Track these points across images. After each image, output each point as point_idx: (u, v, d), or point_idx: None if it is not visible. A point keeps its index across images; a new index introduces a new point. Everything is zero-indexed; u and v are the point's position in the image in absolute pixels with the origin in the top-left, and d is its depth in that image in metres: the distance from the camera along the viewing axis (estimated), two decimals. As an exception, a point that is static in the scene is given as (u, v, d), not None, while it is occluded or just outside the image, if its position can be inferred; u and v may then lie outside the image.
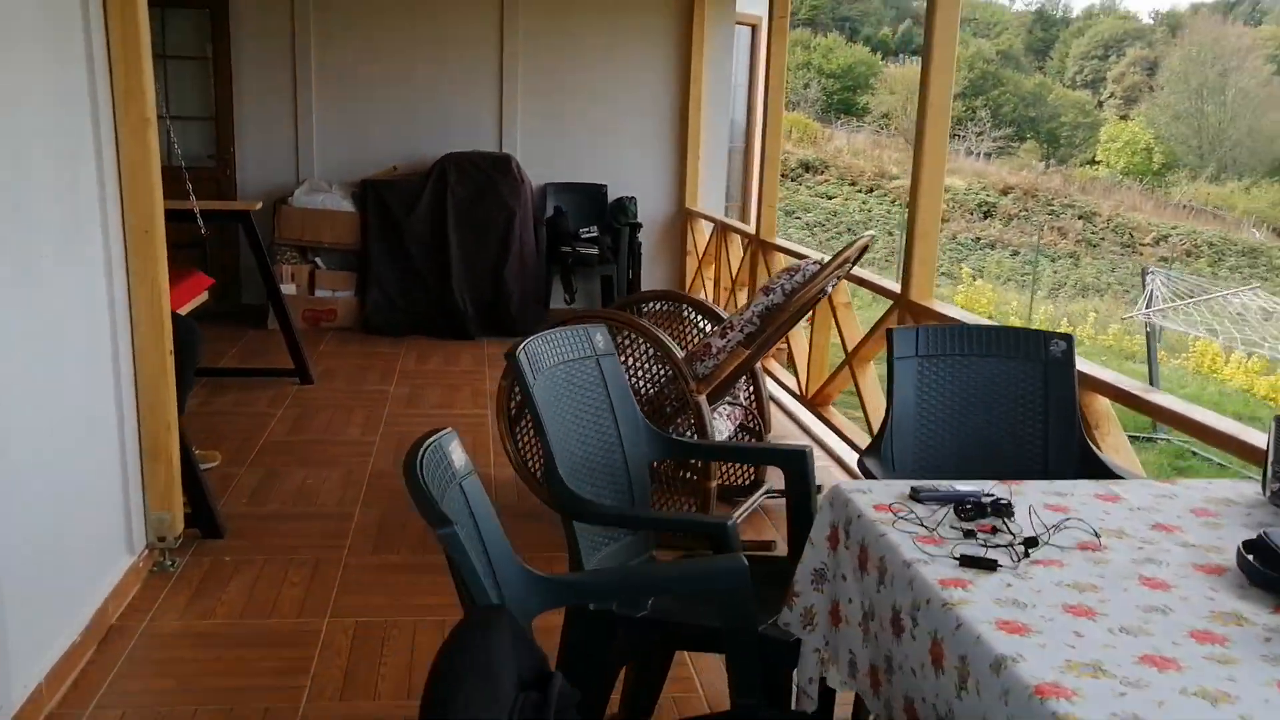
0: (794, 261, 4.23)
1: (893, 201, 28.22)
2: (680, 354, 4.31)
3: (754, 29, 9.47)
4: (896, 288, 4.68)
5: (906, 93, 42.20)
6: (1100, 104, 47.08)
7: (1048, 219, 28.19)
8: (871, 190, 27.71)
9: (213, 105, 7.96)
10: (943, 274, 23.76)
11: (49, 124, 3.09)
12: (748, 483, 4.83)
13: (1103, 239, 27.70)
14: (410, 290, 7.85)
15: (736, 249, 7.38)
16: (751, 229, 6.83)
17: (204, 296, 6.03)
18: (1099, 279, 25.18)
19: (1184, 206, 35.26)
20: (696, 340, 4.93)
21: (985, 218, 28.17)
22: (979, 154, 40.91)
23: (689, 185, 8.46)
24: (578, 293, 8.27)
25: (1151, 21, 53.34)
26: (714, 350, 4.27)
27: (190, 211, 5.87)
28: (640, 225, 8.35)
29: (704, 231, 8.30)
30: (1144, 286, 8.57)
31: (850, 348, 5.15)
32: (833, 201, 27.70)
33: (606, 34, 8.30)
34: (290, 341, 6.41)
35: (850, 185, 28.54)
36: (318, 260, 7.90)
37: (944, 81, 4.24)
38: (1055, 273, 24.98)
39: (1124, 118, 44.79)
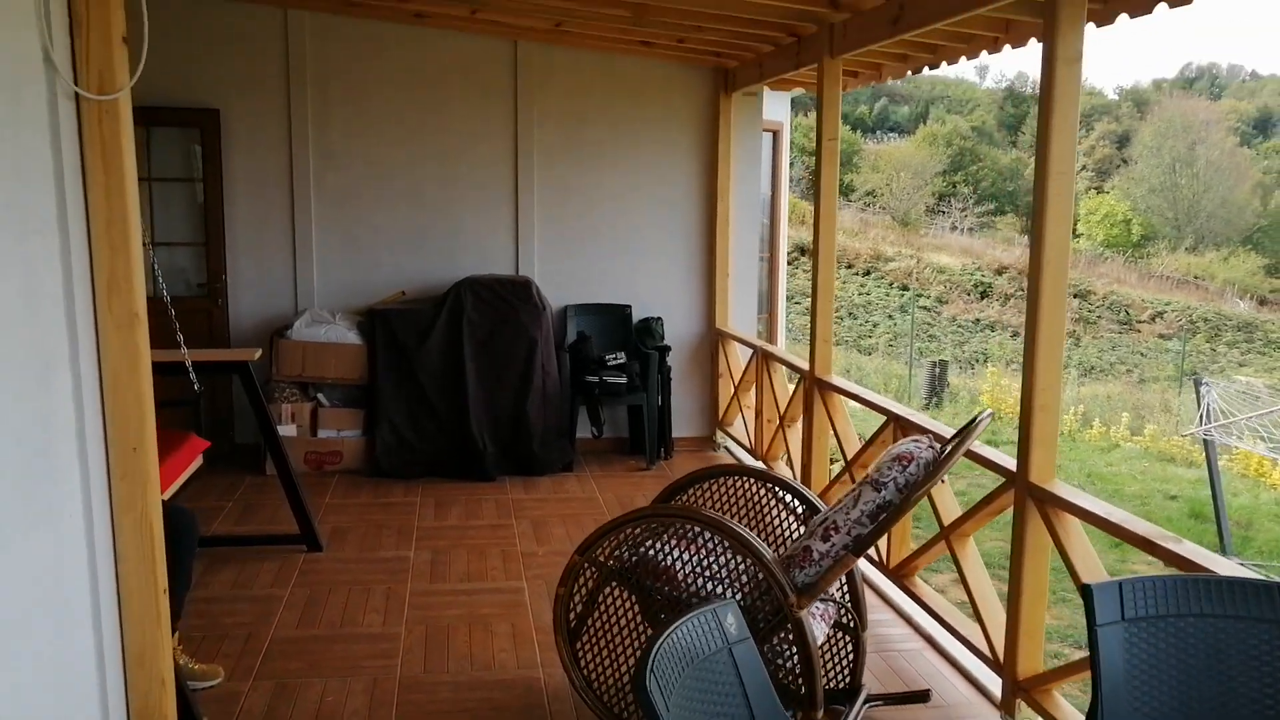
0: (904, 447, 3.58)
1: (891, 284, 27.87)
2: (771, 555, 3.64)
3: (775, 134, 8.96)
4: (1011, 464, 4.01)
5: (891, 170, 42.31)
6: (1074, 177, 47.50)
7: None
8: (869, 273, 27.37)
9: (203, 230, 7.33)
10: (955, 361, 23.33)
11: (9, 334, 2.43)
12: (843, 685, 4.14)
13: (1099, 317, 27.38)
14: (423, 428, 7.17)
15: (781, 379, 6.75)
16: (802, 362, 6.20)
17: (198, 463, 5.35)
18: (1101, 358, 24.77)
19: (1166, 278, 35.23)
20: (779, 523, 4.26)
21: (982, 298, 27.83)
22: (963, 229, 40.96)
23: (719, 304, 7.86)
24: (605, 424, 7.59)
25: (1116, 97, 54.18)
26: (815, 556, 3.61)
27: (180, 363, 5.22)
28: (669, 348, 7.72)
29: (737, 354, 7.67)
30: (1198, 399, 8.03)
31: (945, 519, 4.47)
32: (827, 285, 27.21)
33: (627, 146, 7.75)
34: (293, 499, 5.71)
35: (847, 268, 28.16)
36: (320, 397, 7.22)
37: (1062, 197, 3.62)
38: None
39: (1098, 190, 45.20)
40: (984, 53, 5.37)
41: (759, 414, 6.98)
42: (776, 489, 4.25)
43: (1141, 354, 25.38)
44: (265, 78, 7.34)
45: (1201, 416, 7.93)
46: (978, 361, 23.92)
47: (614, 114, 7.71)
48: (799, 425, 6.34)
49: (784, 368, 6.73)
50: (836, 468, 5.76)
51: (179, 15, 7.14)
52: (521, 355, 7.16)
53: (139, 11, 2.97)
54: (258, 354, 5.49)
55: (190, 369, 5.18)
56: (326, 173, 7.48)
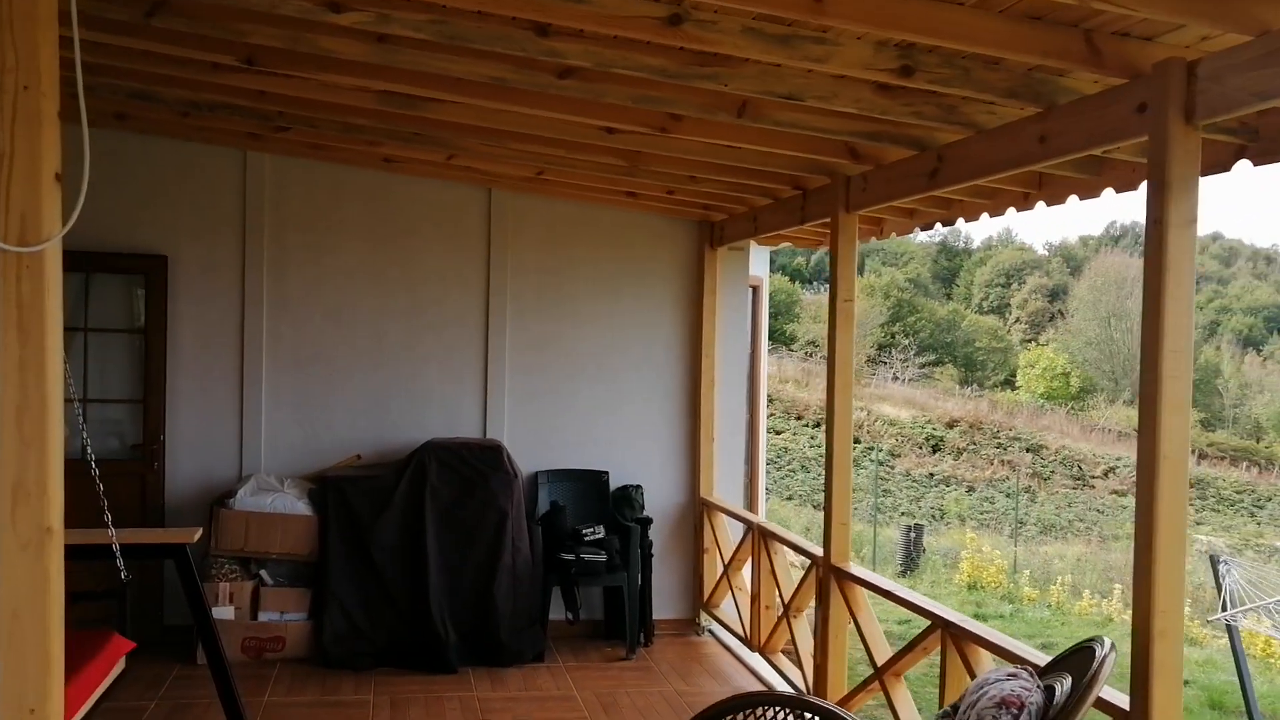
0: (1005, 686, 2.96)
1: (841, 437, 27.50)
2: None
3: (755, 289, 8.54)
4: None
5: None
6: (1008, 330, 48.39)
7: (995, 451, 27.69)
8: (818, 424, 27.04)
9: (142, 385, 6.63)
10: (912, 518, 22.84)
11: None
12: None
13: (1053, 472, 27.21)
14: (377, 611, 6.40)
15: (783, 561, 6.12)
16: (813, 546, 5.59)
17: (119, 669, 4.58)
18: (1059, 515, 24.44)
19: (1108, 430, 35.46)
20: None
21: (934, 451, 27.57)
22: (904, 379, 41.18)
23: (703, 471, 7.27)
24: (581, 607, 6.87)
25: (1046, 252, 55.69)
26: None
27: (106, 546, 4.51)
28: (650, 520, 7.07)
29: (725, 527, 7.05)
30: (1217, 580, 7.55)
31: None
32: (781, 437, 26.83)
33: (606, 300, 7.26)
34: (229, 707, 4.90)
35: (796, 419, 27.82)
36: (263, 574, 6.43)
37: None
38: (1013, 509, 24.21)
39: (1030, 341, 45.97)
40: (1010, 210, 4.98)
41: (755, 599, 6.32)
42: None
43: (1099, 511, 25.12)
44: (219, 223, 6.78)
45: (1225, 602, 7.42)
46: (935, 518, 23.45)
47: (592, 266, 7.24)
48: (806, 617, 5.69)
49: (785, 548, 6.11)
50: (861, 669, 5.11)
51: (125, 152, 6.60)
52: (490, 529, 6.47)
53: (79, 147, 2.40)
54: (197, 534, 4.76)
55: (118, 554, 4.46)
56: (281, 325, 6.86)
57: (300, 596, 6.41)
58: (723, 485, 7.33)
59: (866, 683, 4.90)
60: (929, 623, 4.32)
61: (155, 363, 6.63)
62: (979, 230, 69.33)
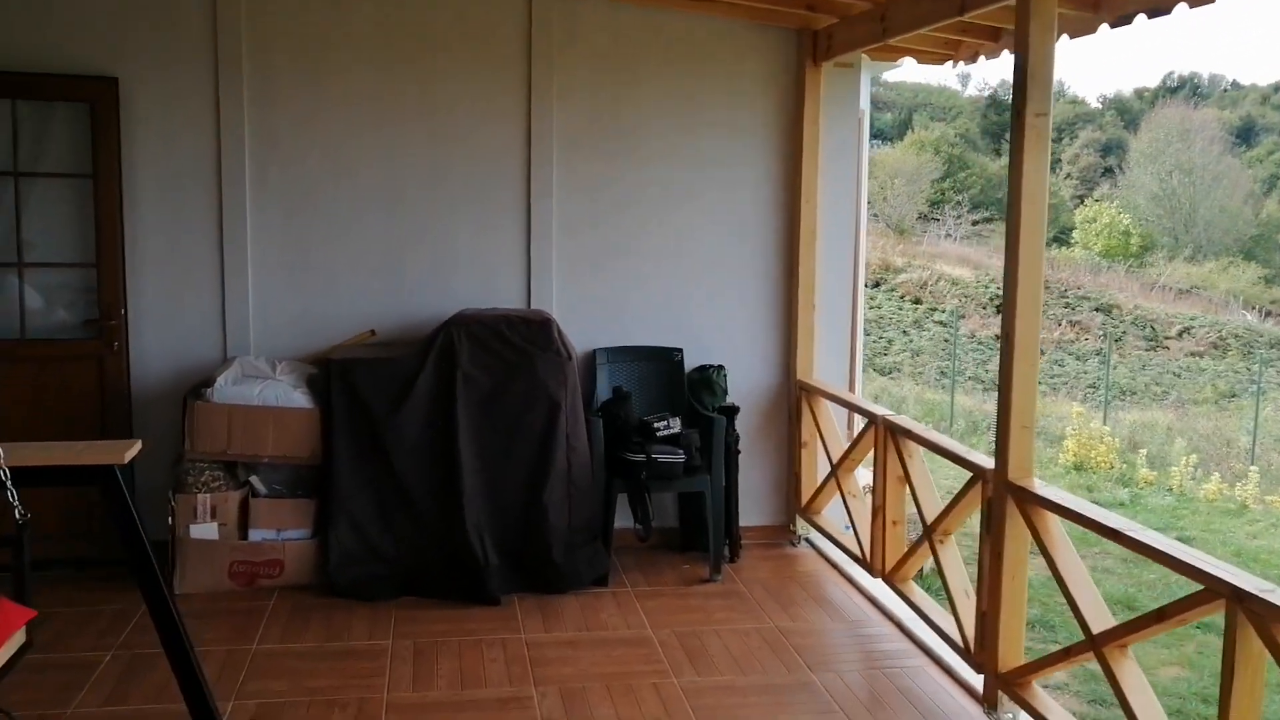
0: None
1: (902, 297, 25.84)
2: None
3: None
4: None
5: (885, 176, 40.55)
6: (1060, 185, 46.46)
7: (1064, 312, 25.95)
8: (878, 284, 25.37)
9: (93, 246, 5.21)
10: (979, 383, 21.38)
11: None
12: None
13: (1124, 333, 25.51)
14: (398, 528, 5.09)
15: (920, 465, 4.71)
16: (979, 456, 4.16)
17: (18, 642, 3.27)
18: (1133, 379, 22.84)
19: (1168, 288, 33.70)
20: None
21: (999, 312, 25.91)
22: (956, 237, 39.43)
23: (801, 347, 5.82)
24: (654, 518, 5.51)
25: (1099, 105, 52.92)
26: None
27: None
28: (736, 409, 5.67)
29: (829, 416, 5.63)
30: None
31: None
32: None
33: (679, 133, 5.71)
34: (187, 685, 3.57)
35: (851, 279, 26.08)
36: (254, 482, 5.12)
37: None
38: (1085, 373, 22.63)
39: (1082, 198, 43.95)
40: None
41: (879, 512, 4.93)
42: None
43: (1175, 374, 23.49)
44: (185, 37, 5.27)
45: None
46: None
47: (660, 90, 5.67)
48: (954, 543, 4.32)
49: (920, 448, 4.69)
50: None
51: (54, -59, 5.06)
52: (538, 423, 5.10)
53: None
54: (130, 451, 3.38)
55: (8, 484, 3.12)
56: (269, 167, 5.39)
57: (301, 509, 5.10)
58: (825, 365, 5.89)
59: (1071, 653, 3.53)
60: (1200, 586, 2.90)
61: (108, 215, 5.19)
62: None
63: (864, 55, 5.66)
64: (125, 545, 3.40)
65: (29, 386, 5.16)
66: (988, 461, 3.99)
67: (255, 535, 5.05)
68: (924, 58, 5.66)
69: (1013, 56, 3.75)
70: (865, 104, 6.93)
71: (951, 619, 4.26)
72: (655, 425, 5.29)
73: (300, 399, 5.05)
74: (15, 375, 5.14)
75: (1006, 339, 3.78)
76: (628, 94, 5.63)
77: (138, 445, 3.44)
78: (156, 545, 5.16)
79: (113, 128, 5.16)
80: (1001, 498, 3.83)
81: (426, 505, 5.07)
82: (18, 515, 3.15)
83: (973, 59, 5.34)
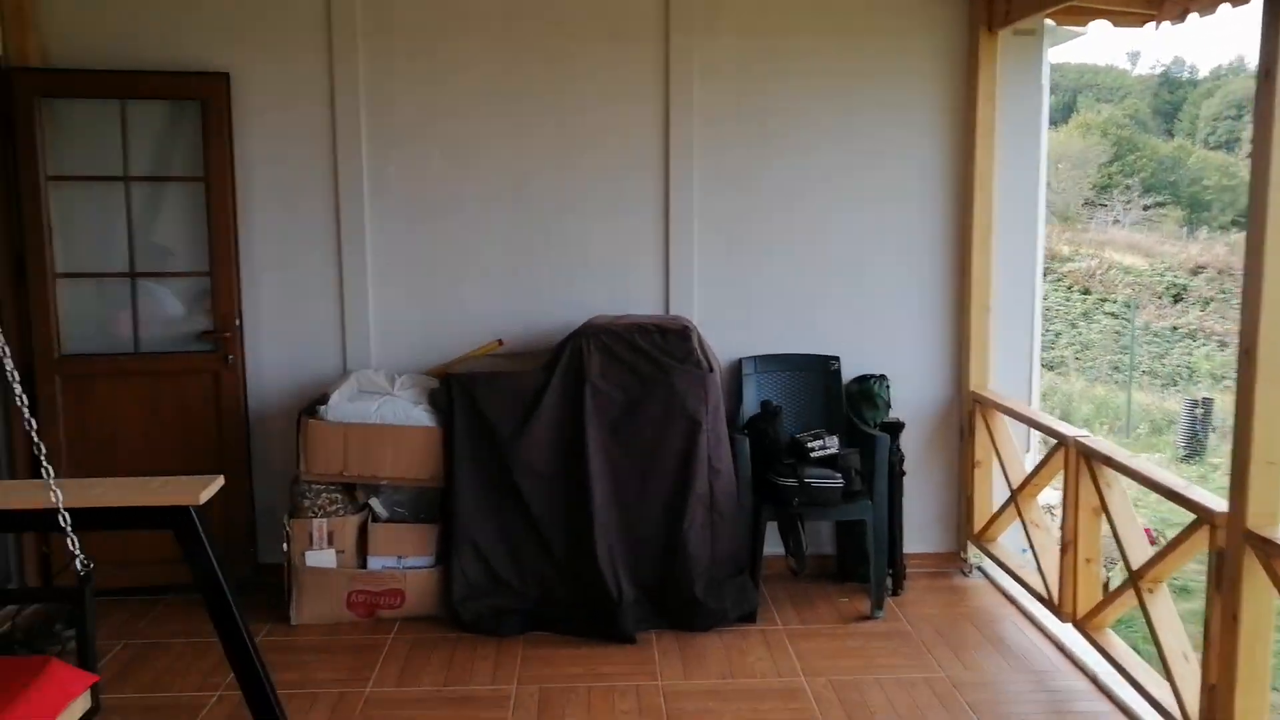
0: None
1: (1070, 287, 24.39)
2: None
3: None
4: None
5: (1050, 160, 38.75)
6: (1239, 165, 43.52)
7: (1249, 303, 24.00)
8: (1044, 274, 23.95)
9: (206, 253, 4.93)
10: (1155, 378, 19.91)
11: None
12: None
13: (1319, 325, 23.39)
14: (525, 558, 4.65)
15: (1123, 496, 4.00)
16: (1210, 499, 3.44)
17: (81, 708, 2.91)
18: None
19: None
20: None
21: (1176, 302, 24.16)
22: (1125, 223, 37.27)
23: (974, 354, 5.14)
24: (808, 548, 4.92)
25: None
26: None
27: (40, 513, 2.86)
28: (901, 426, 5.04)
29: (1006, 431, 4.95)
30: None
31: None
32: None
33: (835, 114, 5.10)
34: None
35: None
36: (374, 505, 4.75)
37: None
38: None
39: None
40: None
41: (1069, 548, 4.23)
42: None
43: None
44: (299, 27, 4.94)
45: None
46: (1183, 377, 20.42)
47: (813, 67, 5.07)
48: (1167, 593, 3.61)
49: (1119, 477, 3.97)
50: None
51: (162, -68, 4.79)
52: (677, 444, 4.58)
53: None
54: (208, 491, 3.00)
55: (67, 527, 2.77)
56: (388, 166, 5.02)
57: (422, 535, 4.71)
58: (1002, 374, 5.19)
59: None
60: None
61: (221, 221, 4.90)
62: (1205, 60, 62.20)
63: (1047, 20, 4.93)
64: (205, 597, 3.02)
65: (143, 403, 4.91)
66: (1218, 503, 3.27)
67: (375, 563, 4.68)
68: (1121, 20, 4.88)
69: (1261, 2, 3.02)
70: (1046, 78, 6.16)
71: (1166, 686, 3.55)
72: (809, 445, 4.71)
73: (420, 416, 4.65)
74: (129, 391, 4.90)
75: (1246, 355, 3.06)
76: (776, 72, 5.06)
77: (218, 482, 3.06)
78: (272, 568, 4.93)
79: (225, 127, 4.86)
80: (1238, 548, 3.11)
81: (555, 533, 4.61)
82: (79, 566, 2.80)
83: (1181, 17, 4.55)
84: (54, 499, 2.69)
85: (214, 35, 4.89)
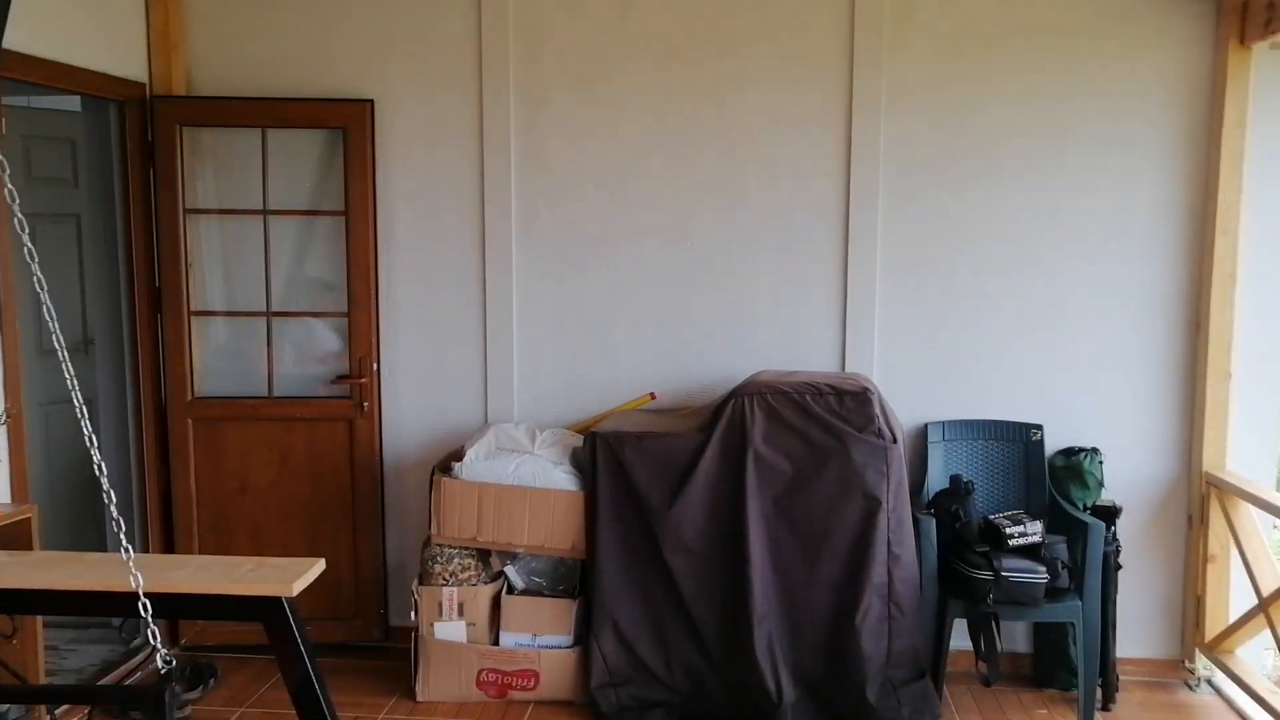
0: None
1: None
2: None
3: None
4: None
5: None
6: None
7: None
8: None
9: (345, 291, 4.60)
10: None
11: None
12: None
13: None
14: (672, 644, 4.12)
15: None
16: None
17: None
18: None
19: None
20: None
21: None
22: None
23: (1209, 430, 4.35)
24: (1001, 652, 4.23)
25: None
26: None
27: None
28: (1118, 511, 4.29)
29: (1252, 524, 4.14)
30: None
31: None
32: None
33: (1043, 142, 4.42)
34: None
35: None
36: (510, 574, 4.31)
37: None
38: None
39: None
40: None
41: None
42: None
43: None
44: (448, 50, 4.58)
45: None
46: None
47: (1021, 91, 4.40)
48: None
49: None
50: None
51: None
52: (851, 524, 3.97)
53: None
54: (304, 580, 2.58)
55: (146, 616, 2.39)
56: (537, 201, 4.60)
57: (560, 611, 4.23)
58: (1244, 452, 4.39)
59: None
60: None
61: (361, 258, 4.57)
62: None
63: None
64: (295, 699, 2.61)
65: (274, 449, 4.62)
66: None
67: (508, 639, 4.23)
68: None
69: None
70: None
71: None
72: (1007, 530, 4.02)
73: (561, 479, 4.19)
74: (260, 436, 4.61)
75: None
76: (977, 98, 4.41)
77: (316, 569, 2.64)
78: (402, 632, 4.55)
79: (367, 157, 4.53)
80: None
81: (707, 619, 4.06)
82: (160, 663, 2.41)
83: None
84: (134, 583, 2.31)
85: (359, 61, 4.58)
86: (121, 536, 2.30)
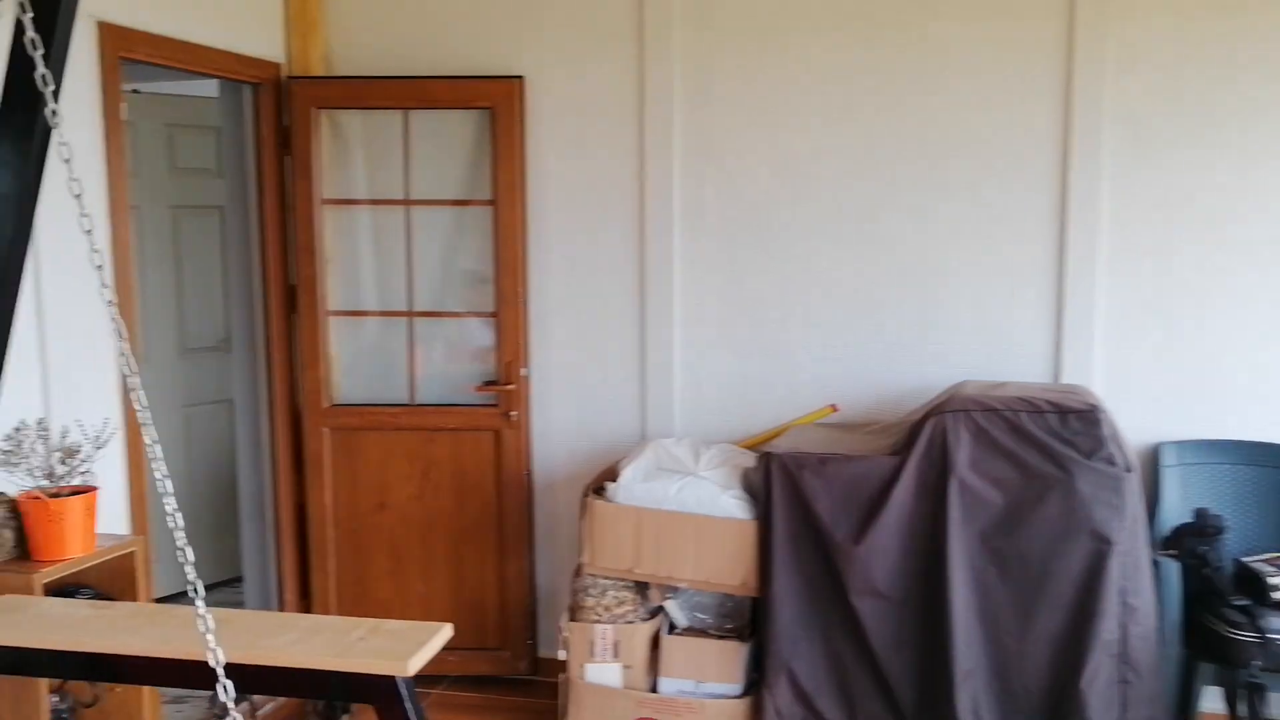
0: None
1: None
2: None
3: None
4: None
5: None
6: None
7: None
8: None
9: (491, 289, 4.18)
10: None
11: None
12: None
13: None
14: (859, 702, 3.55)
15: None
16: None
17: None
18: None
19: None
20: None
21: None
22: None
23: None
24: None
25: None
26: None
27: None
28: None
29: None
30: None
31: None
32: None
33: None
34: None
35: None
36: (671, 609, 3.82)
37: None
38: None
39: None
40: None
41: None
42: None
43: None
44: (606, 19, 4.10)
45: None
46: None
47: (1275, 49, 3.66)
48: None
49: None
50: None
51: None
52: (1076, 570, 3.33)
53: None
54: (420, 658, 2.12)
55: (227, 699, 1.98)
56: (704, 187, 4.09)
57: (729, 655, 3.71)
58: None
59: None
60: None
61: (509, 252, 4.14)
62: None
63: None
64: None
65: (416, 461, 4.24)
66: None
67: (668, 685, 3.73)
68: None
69: None
70: None
71: None
72: (1271, 580, 3.32)
73: (729, 505, 3.67)
74: (400, 447, 4.24)
75: None
76: (1229, 55, 3.68)
77: (441, 636, 2.19)
78: (551, 664, 4.11)
79: (516, 139, 4.09)
80: None
81: (900, 674, 3.48)
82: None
83: None
84: (212, 659, 1.90)
85: (507, 34, 4.15)
86: (200, 604, 1.88)
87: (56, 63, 1.95)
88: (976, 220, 3.90)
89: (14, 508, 2.69)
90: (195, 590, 1.94)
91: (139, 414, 1.94)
